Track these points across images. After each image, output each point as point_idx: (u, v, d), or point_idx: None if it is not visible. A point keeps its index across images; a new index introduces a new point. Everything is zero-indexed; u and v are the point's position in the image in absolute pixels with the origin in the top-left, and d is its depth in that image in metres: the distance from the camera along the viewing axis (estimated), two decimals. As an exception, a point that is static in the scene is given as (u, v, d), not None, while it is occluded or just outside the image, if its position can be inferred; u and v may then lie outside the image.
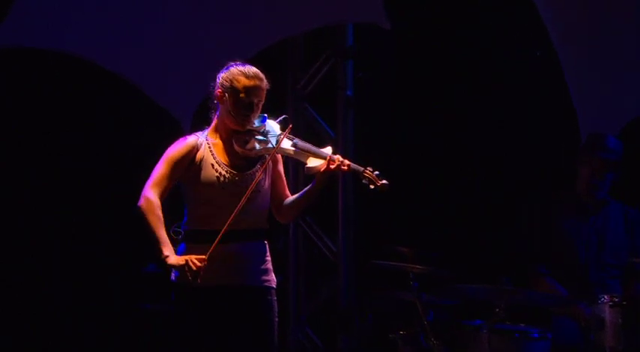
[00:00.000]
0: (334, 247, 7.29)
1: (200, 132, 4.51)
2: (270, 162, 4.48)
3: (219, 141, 4.48)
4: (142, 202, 4.32)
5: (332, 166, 4.35)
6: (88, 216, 7.11)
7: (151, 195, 4.32)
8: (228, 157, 4.46)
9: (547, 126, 6.79)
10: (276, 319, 4.49)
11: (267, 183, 4.49)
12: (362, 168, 4.39)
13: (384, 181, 4.34)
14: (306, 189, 4.48)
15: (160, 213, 4.31)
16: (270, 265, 4.52)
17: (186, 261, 4.22)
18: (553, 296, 5.72)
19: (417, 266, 5.53)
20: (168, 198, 4.38)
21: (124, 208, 6.85)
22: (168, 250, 4.28)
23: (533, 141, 6.83)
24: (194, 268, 4.21)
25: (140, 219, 4.31)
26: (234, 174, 4.42)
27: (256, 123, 4.45)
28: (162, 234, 4.29)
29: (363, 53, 7.23)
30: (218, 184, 4.39)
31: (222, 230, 4.28)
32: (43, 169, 7.05)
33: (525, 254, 5.96)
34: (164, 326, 5.39)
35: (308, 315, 7.35)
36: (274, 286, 4.51)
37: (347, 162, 4.38)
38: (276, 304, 4.50)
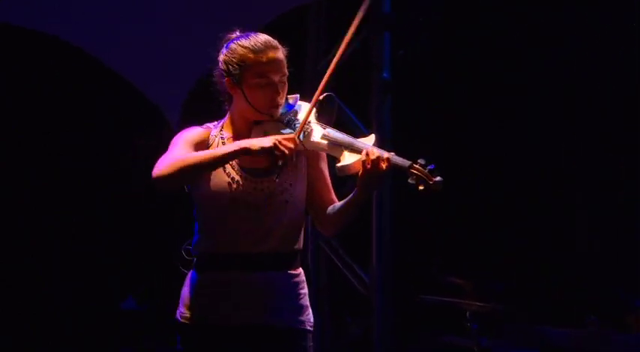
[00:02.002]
0: (366, 277, 5.90)
1: (211, 125, 3.49)
2: (304, 158, 3.45)
3: (233, 136, 3.44)
4: (161, 166, 3.22)
5: (368, 166, 3.22)
6: (88, 216, 7.11)
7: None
8: (250, 159, 3.34)
9: (547, 126, 6.80)
10: None
11: (299, 188, 3.43)
12: (408, 163, 3.22)
13: (437, 179, 3.17)
14: (347, 198, 3.38)
15: None
16: (306, 300, 3.46)
17: (275, 142, 3.19)
18: None
19: (477, 303, 4.52)
20: (177, 207, 3.60)
21: (124, 208, 6.96)
22: (236, 144, 3.24)
23: (533, 141, 6.83)
24: (287, 152, 3.20)
25: (171, 176, 3.20)
26: (250, 179, 3.36)
27: (281, 108, 3.41)
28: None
29: (404, 24, 6.09)
30: (229, 193, 3.33)
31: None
32: (43, 169, 7.05)
33: (615, 285, 5.11)
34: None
35: (334, 362, 6.10)
36: (311, 329, 3.46)
37: (386, 155, 3.23)
38: None
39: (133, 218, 6.97)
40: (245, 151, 3.20)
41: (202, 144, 3.41)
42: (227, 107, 3.50)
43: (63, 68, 6.90)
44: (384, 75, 5.98)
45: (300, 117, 3.39)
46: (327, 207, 3.45)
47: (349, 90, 5.90)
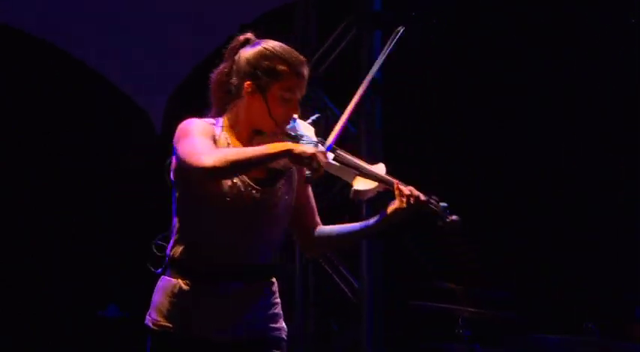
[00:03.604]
0: (356, 283, 5.68)
1: (212, 121, 3.28)
2: (297, 177, 3.30)
3: (236, 142, 3.24)
4: (209, 157, 3.02)
5: (404, 202, 3.15)
6: (88, 216, 7.12)
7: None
8: None
9: (547, 126, 6.78)
10: None
11: (289, 202, 3.29)
12: (425, 197, 3.19)
13: (454, 217, 3.16)
14: (359, 225, 3.30)
15: None
16: (279, 309, 3.36)
17: (316, 153, 3.03)
18: None
19: (469, 309, 4.36)
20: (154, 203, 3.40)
21: (124, 208, 6.97)
22: (281, 144, 3.08)
23: (533, 141, 6.82)
24: (321, 168, 3.03)
25: (225, 169, 3.02)
26: (252, 187, 3.18)
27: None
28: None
29: (395, 22, 5.54)
30: (228, 198, 3.14)
31: None
32: (43, 169, 7.06)
33: (616, 294, 5.01)
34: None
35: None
36: (285, 337, 3.36)
37: (415, 192, 3.18)
38: None
39: (133, 218, 6.97)
40: (288, 150, 3.03)
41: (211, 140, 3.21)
42: (225, 103, 3.29)
43: (63, 68, 6.91)
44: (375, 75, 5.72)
45: (302, 133, 3.23)
46: (313, 228, 3.36)
47: (338, 90, 5.63)
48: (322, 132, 3.28)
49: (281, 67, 3.19)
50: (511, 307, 4.41)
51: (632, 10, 6.43)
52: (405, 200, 3.15)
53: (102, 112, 7.14)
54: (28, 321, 7.03)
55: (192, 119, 3.22)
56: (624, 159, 6.43)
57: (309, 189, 3.37)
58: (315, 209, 3.38)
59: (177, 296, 3.22)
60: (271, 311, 3.30)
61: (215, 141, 3.19)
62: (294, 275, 5.79)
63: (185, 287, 3.21)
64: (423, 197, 3.17)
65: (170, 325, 3.22)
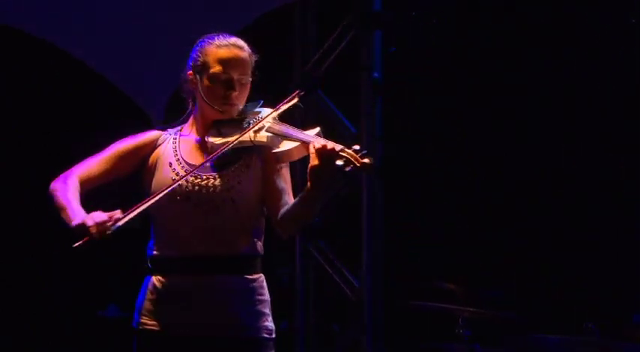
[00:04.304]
0: (356, 282, 5.62)
1: (172, 129, 3.44)
2: (257, 157, 3.28)
3: (191, 137, 3.37)
4: (57, 183, 3.47)
5: (316, 159, 3.01)
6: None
7: (72, 178, 3.44)
8: (200, 156, 3.30)
9: (547, 126, 6.78)
10: None
11: (248, 188, 3.27)
12: (340, 146, 3.04)
13: (365, 160, 3.00)
14: (301, 194, 3.16)
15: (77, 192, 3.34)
16: (266, 307, 3.30)
17: (84, 219, 3.16)
18: None
19: (469, 309, 4.39)
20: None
21: (124, 208, 6.94)
22: (76, 214, 3.25)
23: (533, 141, 6.82)
24: (94, 233, 3.16)
25: (49, 199, 3.46)
26: (195, 175, 3.25)
27: (237, 109, 3.31)
28: (72, 202, 3.33)
29: (395, 22, 5.86)
30: (176, 192, 3.21)
31: None
32: (43, 169, 7.04)
33: (616, 294, 4.98)
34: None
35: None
36: (272, 336, 3.31)
37: (331, 144, 3.04)
38: None
39: (133, 218, 6.95)
40: (67, 221, 3.23)
41: (143, 150, 3.39)
42: (190, 107, 3.45)
43: (63, 68, 6.90)
44: (375, 74, 5.74)
45: (260, 117, 3.26)
46: (281, 208, 3.24)
47: (338, 90, 5.78)
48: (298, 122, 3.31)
49: (209, 49, 3.30)
50: (511, 307, 4.41)
51: (632, 10, 6.43)
52: (317, 158, 3.02)
53: (102, 112, 7.13)
54: (28, 321, 7.02)
55: (130, 135, 3.42)
56: (624, 159, 6.42)
57: (281, 168, 3.30)
58: (287, 190, 3.30)
59: (153, 293, 3.28)
60: (255, 308, 3.25)
61: (156, 146, 3.34)
62: (294, 275, 5.78)
63: (158, 284, 3.27)
64: (330, 146, 3.04)
65: (150, 323, 3.26)
